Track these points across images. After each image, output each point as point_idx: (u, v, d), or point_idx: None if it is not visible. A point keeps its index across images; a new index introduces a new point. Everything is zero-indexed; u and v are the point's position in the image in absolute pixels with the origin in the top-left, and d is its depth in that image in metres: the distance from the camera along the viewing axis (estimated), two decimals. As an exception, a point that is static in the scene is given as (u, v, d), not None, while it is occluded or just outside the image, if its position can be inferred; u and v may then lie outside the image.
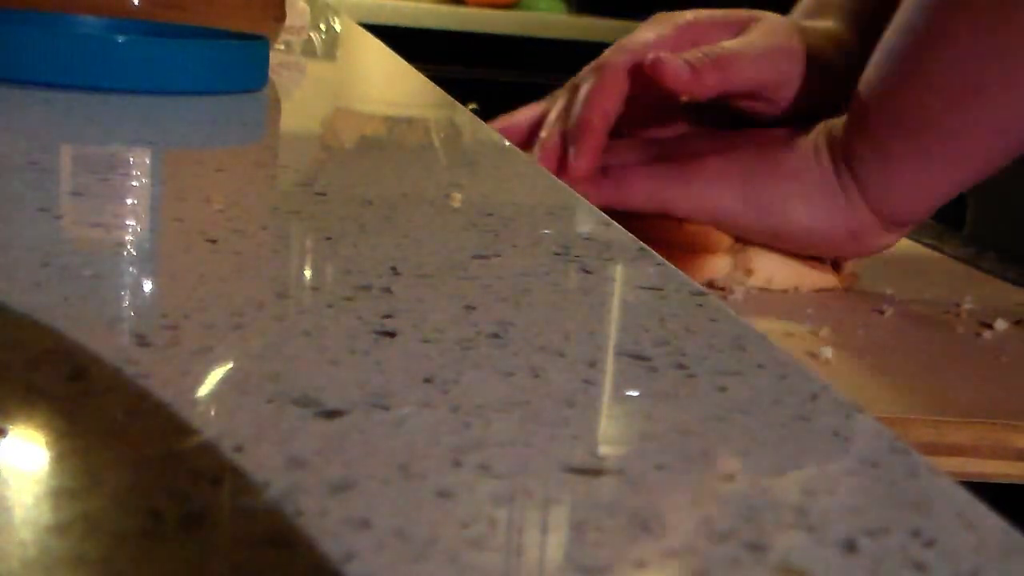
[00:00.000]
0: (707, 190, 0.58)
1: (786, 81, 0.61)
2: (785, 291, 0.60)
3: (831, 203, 0.57)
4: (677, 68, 0.58)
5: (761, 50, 0.60)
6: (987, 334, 0.55)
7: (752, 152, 0.58)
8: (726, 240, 0.59)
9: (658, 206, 0.59)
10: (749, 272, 0.59)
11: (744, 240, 0.60)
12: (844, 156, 0.56)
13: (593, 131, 0.60)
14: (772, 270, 0.60)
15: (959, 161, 0.53)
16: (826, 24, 0.65)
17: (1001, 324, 0.56)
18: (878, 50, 0.55)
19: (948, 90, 0.52)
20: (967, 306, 0.59)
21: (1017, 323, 0.56)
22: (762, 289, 0.60)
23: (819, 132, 0.58)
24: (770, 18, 0.63)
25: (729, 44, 0.60)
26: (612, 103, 0.61)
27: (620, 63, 0.61)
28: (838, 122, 0.58)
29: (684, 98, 0.60)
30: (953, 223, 0.83)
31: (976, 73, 0.51)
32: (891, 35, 0.55)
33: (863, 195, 0.56)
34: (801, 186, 0.57)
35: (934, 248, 0.71)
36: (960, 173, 0.54)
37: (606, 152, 0.62)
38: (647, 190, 0.59)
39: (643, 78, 0.60)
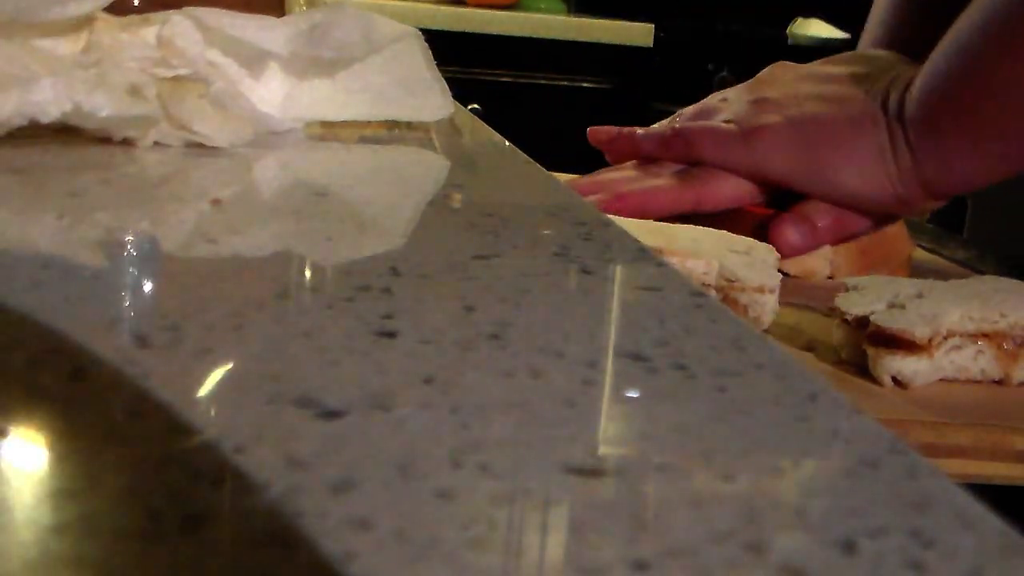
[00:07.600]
0: (767, 153, 0.62)
1: None
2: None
3: (883, 172, 0.61)
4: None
5: None
6: None
7: (811, 118, 0.62)
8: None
9: (721, 163, 0.63)
10: None
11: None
12: (905, 132, 0.60)
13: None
14: None
15: (1007, 158, 0.60)
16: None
17: None
18: (949, 37, 0.60)
19: (1008, 99, 0.58)
20: None
21: None
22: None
23: (880, 100, 0.62)
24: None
25: None
26: None
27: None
28: (900, 94, 0.61)
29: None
30: (952, 226, 0.83)
31: None
32: (964, 28, 0.59)
33: (916, 168, 0.60)
34: (855, 154, 0.61)
35: (933, 252, 0.71)
36: (1005, 167, 0.61)
37: None
38: (714, 149, 0.64)
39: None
